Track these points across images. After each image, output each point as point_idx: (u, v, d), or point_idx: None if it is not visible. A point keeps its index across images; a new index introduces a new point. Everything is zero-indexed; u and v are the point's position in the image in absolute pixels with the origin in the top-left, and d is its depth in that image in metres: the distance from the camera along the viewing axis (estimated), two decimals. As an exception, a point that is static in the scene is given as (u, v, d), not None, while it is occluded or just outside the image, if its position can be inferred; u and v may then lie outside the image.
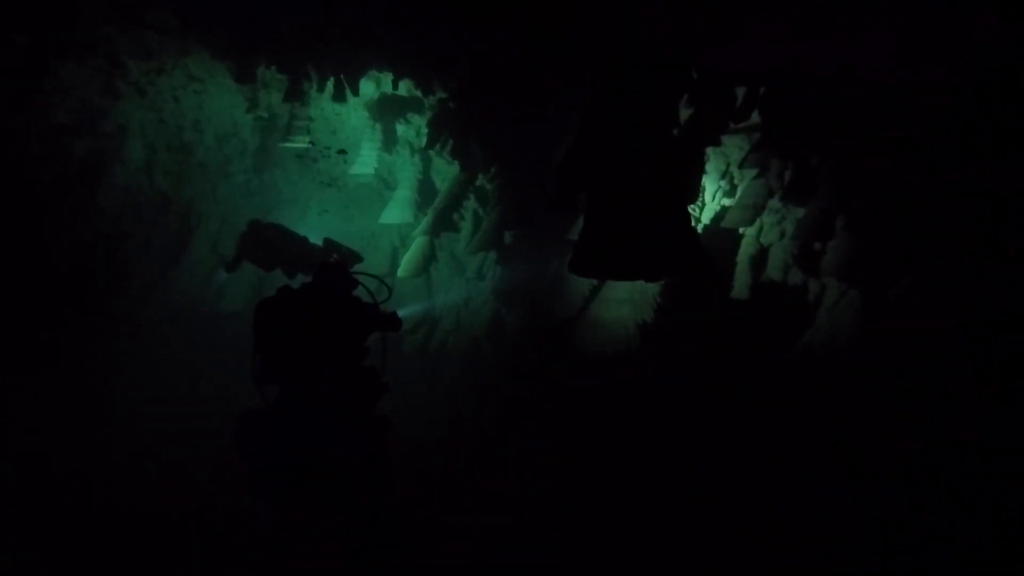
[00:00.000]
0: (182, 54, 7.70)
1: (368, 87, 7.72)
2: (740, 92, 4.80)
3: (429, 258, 8.02)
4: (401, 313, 4.34)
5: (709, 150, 5.29)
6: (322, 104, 7.95)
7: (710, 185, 5.71)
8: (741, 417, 6.07)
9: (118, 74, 7.89)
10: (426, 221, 7.63)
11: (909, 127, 4.17)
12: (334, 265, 4.01)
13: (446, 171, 8.19)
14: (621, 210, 3.51)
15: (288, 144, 7.75)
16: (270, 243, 6.36)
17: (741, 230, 5.82)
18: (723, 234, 5.75)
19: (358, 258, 6.89)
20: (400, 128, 8.21)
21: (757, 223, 5.56)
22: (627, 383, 6.59)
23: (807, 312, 5.59)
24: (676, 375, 6.45)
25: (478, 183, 7.71)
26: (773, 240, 5.58)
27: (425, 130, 7.67)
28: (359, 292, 4.21)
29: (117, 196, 8.87)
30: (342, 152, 6.48)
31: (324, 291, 3.79)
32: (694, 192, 5.11)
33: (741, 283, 5.77)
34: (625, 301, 6.33)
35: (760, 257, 5.75)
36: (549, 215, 4.21)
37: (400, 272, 8.01)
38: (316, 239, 7.36)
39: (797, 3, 3.99)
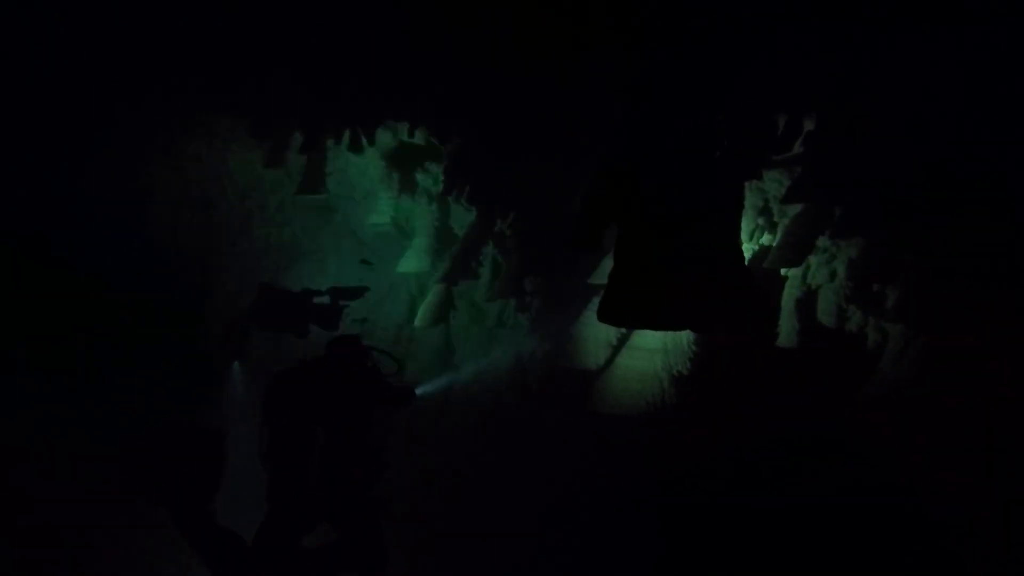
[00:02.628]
0: (205, 114, 7.53)
1: (385, 136, 7.37)
2: (781, 120, 4.22)
3: (447, 306, 7.44)
4: (420, 391, 4.26)
5: (746, 185, 4.66)
6: (339, 155, 7.63)
7: (747, 223, 5.04)
8: (791, 475, 5.21)
9: (146, 139, 7.77)
10: (443, 269, 7.10)
11: (986, 140, 3.50)
12: (345, 339, 3.87)
13: (464, 218, 7.71)
14: (659, 247, 2.86)
15: (305, 196, 7.39)
16: (278, 305, 5.92)
17: (784, 271, 5.10)
18: (765, 276, 5.03)
19: (365, 289, 6.64)
20: (418, 176, 7.82)
21: (803, 263, 4.84)
22: (663, 440, 5.79)
23: (866, 362, 4.78)
24: (718, 431, 5.63)
25: (496, 228, 7.18)
26: (822, 282, 4.84)
27: (442, 177, 7.24)
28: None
29: (141, 258, 8.59)
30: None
31: (336, 365, 3.67)
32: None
33: (787, 329, 5.00)
34: (657, 351, 5.57)
35: (808, 301, 4.99)
36: (571, 253, 3.64)
37: (417, 322, 7.44)
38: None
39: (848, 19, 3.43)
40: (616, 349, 5.93)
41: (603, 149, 3.85)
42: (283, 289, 6.37)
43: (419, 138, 7.16)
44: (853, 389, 4.81)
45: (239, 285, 8.98)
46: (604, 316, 3.21)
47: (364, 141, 6.90)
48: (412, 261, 7.67)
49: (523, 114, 6.36)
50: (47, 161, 7.27)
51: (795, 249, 4.67)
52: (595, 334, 6.04)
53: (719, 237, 3.09)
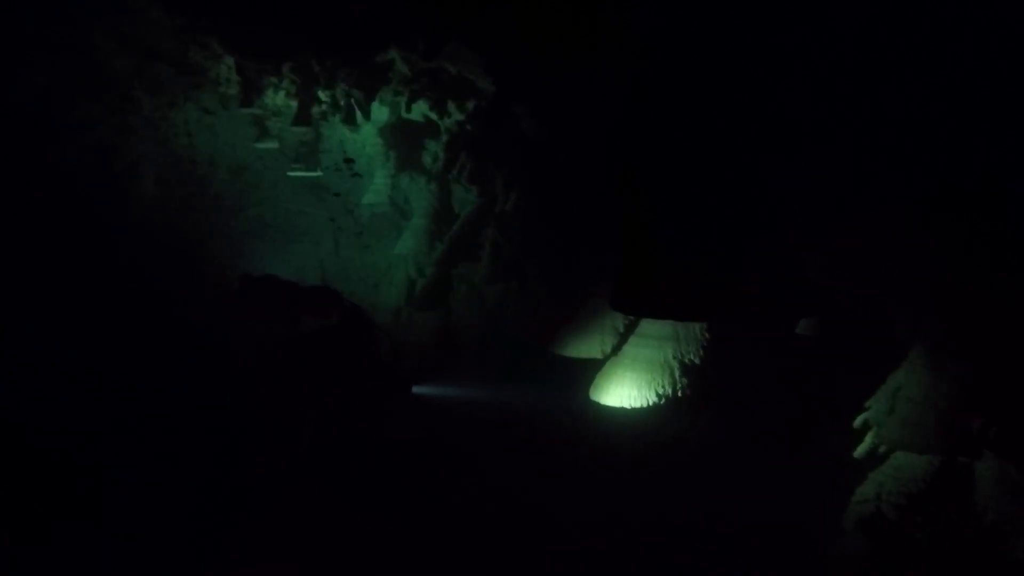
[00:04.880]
0: (194, 87, 7.09)
1: (381, 112, 6.96)
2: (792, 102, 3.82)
3: (446, 289, 7.13)
4: (416, 390, 4.13)
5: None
6: (334, 130, 7.23)
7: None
8: (806, 469, 4.96)
9: (131, 110, 7.34)
10: (442, 250, 6.76)
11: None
12: (359, 317, 3.88)
13: (464, 198, 7.34)
14: (686, 225, 2.53)
15: (298, 172, 7.01)
16: (263, 297, 5.39)
17: (804, 255, 4.75)
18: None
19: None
20: (415, 154, 7.43)
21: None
22: (673, 429, 5.52)
23: (891, 352, 4.47)
24: (730, 421, 5.36)
25: (498, 210, 6.83)
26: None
27: (441, 155, 6.86)
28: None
29: (131, 233, 8.23)
30: (349, 161, 6.03)
31: (342, 340, 3.69)
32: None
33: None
34: (667, 338, 5.25)
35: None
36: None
37: (415, 304, 7.13)
38: (329, 270, 6.53)
39: None
40: (624, 336, 5.62)
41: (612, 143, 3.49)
42: (268, 277, 5.81)
43: (417, 113, 6.76)
44: (876, 379, 4.52)
45: (232, 268, 8.65)
46: (619, 305, 2.89)
47: (359, 115, 6.49)
48: (410, 242, 7.33)
49: (528, 92, 5.96)
50: (17, 136, 6.79)
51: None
52: (601, 320, 5.72)
53: (735, 225, 2.75)
